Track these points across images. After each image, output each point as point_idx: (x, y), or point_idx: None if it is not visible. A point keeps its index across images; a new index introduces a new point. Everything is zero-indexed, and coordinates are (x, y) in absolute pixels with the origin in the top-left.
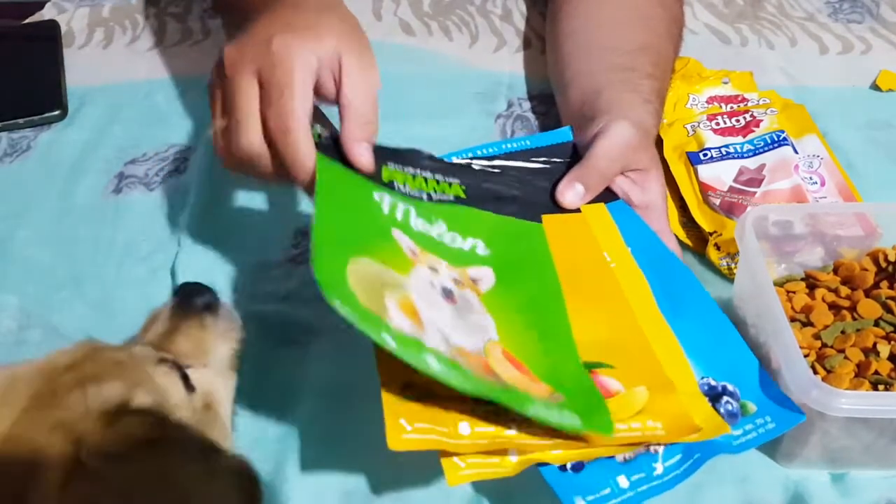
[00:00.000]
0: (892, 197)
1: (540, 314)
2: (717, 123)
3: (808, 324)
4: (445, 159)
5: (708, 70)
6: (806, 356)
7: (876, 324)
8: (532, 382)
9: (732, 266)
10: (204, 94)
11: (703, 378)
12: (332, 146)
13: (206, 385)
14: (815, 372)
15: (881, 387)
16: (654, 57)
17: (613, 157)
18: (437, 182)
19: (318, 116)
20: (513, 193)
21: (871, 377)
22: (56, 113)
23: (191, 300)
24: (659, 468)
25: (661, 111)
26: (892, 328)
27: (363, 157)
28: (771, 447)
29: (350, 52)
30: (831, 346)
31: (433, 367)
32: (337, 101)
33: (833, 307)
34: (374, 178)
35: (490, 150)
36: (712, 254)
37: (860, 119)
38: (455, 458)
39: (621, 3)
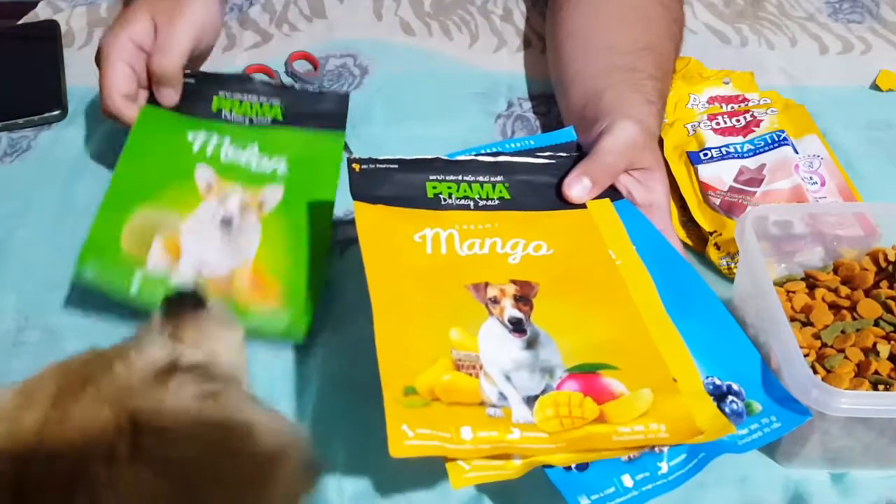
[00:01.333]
0: (892, 197)
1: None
2: (718, 123)
3: (808, 324)
4: (450, 158)
5: (709, 70)
6: (806, 356)
7: (876, 324)
8: (264, 299)
9: (732, 266)
10: None
11: (708, 377)
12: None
13: (227, 366)
14: (815, 372)
15: (881, 387)
16: (656, 57)
17: (620, 153)
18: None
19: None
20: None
21: (871, 377)
22: (56, 113)
23: (177, 306)
24: (664, 467)
25: (663, 112)
26: (892, 328)
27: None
28: (771, 447)
29: (159, 17)
30: (831, 346)
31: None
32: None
33: (833, 307)
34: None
35: (494, 149)
36: (712, 253)
37: (860, 119)
38: (459, 461)
39: (622, 3)
